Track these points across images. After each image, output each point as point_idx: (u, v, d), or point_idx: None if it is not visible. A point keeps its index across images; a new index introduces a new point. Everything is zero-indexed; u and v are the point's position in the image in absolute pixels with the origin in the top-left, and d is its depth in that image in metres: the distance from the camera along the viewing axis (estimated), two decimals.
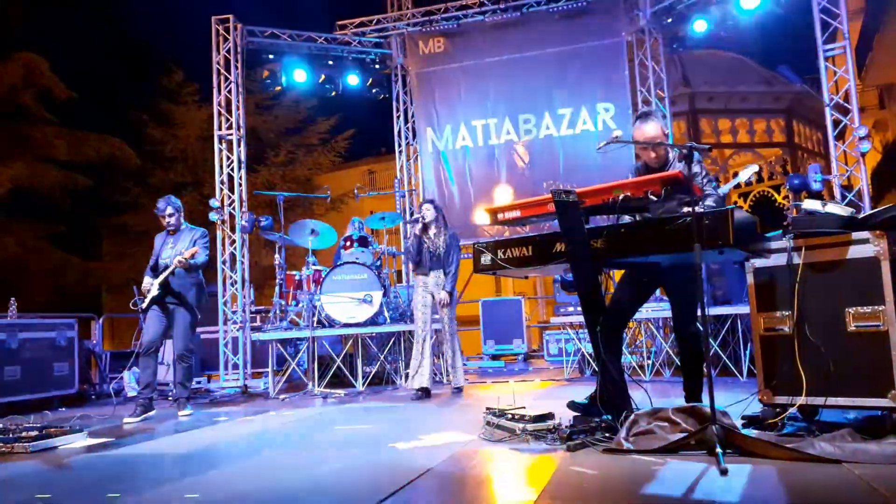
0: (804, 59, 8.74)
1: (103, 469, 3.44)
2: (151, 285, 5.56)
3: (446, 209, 9.64)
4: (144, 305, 5.56)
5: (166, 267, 5.56)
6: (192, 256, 5.50)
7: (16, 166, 14.41)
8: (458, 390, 6.25)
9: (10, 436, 4.12)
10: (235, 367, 8.38)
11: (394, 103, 10.53)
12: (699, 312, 3.51)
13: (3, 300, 6.90)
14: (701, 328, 3.60)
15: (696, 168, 3.60)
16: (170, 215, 5.75)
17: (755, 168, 6.20)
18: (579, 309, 6.62)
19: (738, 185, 13.19)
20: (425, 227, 6.22)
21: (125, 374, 7.66)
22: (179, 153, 16.41)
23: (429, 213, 6.24)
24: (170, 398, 6.24)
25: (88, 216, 16.38)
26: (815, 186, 6.88)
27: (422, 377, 6.08)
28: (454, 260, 6.24)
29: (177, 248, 5.65)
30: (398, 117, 10.50)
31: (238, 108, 8.97)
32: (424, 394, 6.03)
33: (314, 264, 7.52)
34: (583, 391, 4.04)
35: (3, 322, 6.44)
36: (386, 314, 7.12)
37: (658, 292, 6.36)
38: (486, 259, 3.82)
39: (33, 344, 6.59)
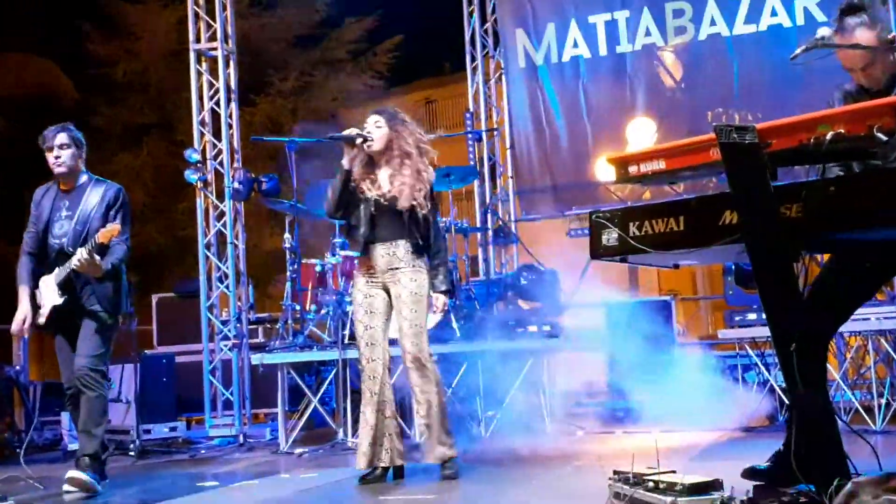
0: None
1: None
2: (45, 293, 5.15)
3: (548, 156, 9.70)
4: (44, 321, 5.20)
5: (61, 250, 5.16)
6: (109, 245, 4.98)
7: None
8: (444, 470, 4.97)
9: None
10: (228, 405, 8.63)
11: None
12: None
13: None
14: None
15: None
16: (62, 147, 5.19)
17: None
18: (764, 317, 6.50)
19: None
20: (371, 162, 5.10)
21: (63, 417, 7.96)
22: (137, 78, 16.83)
23: (378, 130, 5.08)
24: (131, 452, 6.47)
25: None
26: None
27: (373, 449, 4.95)
28: (438, 228, 5.24)
29: (77, 217, 5.23)
30: (470, 14, 10.47)
31: (225, 9, 9.15)
32: (384, 474, 5.07)
33: (343, 248, 7.59)
34: (769, 449, 4.00)
35: None
36: (454, 324, 7.18)
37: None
38: (610, 238, 3.80)
39: None
